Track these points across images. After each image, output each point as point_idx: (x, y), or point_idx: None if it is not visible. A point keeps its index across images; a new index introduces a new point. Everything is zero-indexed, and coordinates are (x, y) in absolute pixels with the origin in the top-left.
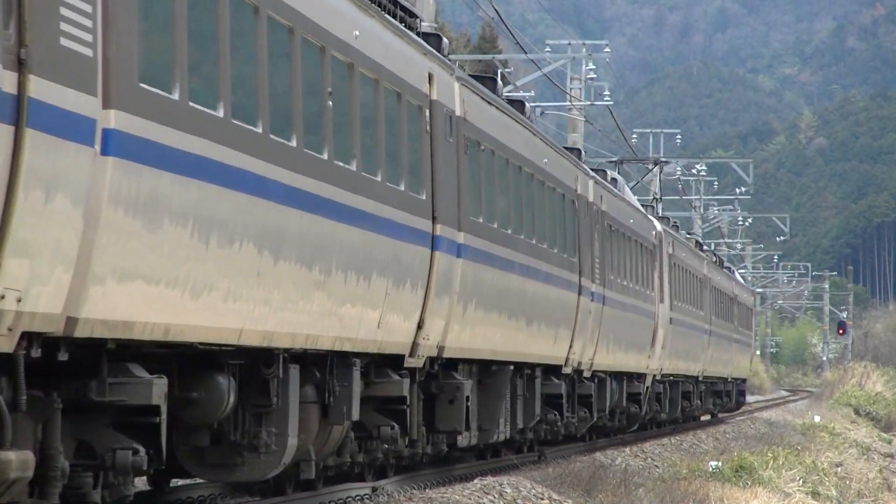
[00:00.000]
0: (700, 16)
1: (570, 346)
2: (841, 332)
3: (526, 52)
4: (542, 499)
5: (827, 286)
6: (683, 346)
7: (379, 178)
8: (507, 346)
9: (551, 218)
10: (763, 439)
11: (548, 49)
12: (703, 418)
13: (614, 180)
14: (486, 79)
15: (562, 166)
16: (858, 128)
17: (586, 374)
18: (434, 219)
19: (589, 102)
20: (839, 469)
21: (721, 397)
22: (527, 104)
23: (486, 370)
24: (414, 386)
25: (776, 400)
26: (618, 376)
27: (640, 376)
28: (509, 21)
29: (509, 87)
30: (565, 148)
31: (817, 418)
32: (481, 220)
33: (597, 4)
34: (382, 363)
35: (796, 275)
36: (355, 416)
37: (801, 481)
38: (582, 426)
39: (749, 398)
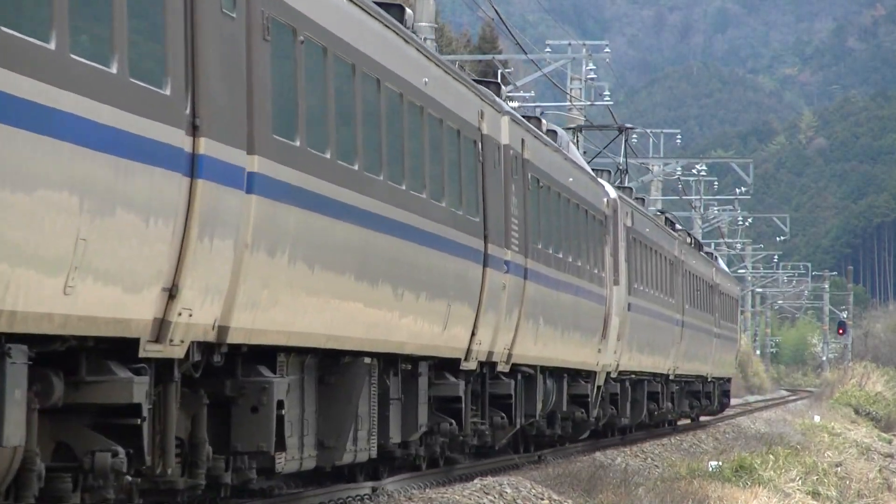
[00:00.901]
0: (700, 16)
1: (473, 333)
2: (841, 332)
3: (526, 53)
4: (542, 499)
5: (827, 286)
6: (647, 338)
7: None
8: (361, 331)
9: (435, 160)
10: (763, 439)
11: (548, 49)
12: (682, 422)
13: (553, 132)
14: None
15: (456, 93)
16: (858, 128)
17: (502, 368)
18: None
19: (589, 103)
20: (839, 469)
21: (699, 399)
22: (407, 11)
23: (333, 364)
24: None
25: (776, 400)
26: (556, 373)
27: (590, 374)
28: (509, 21)
29: (509, 88)
30: (479, 81)
31: (817, 418)
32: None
33: (597, 4)
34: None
35: (796, 275)
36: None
37: (801, 481)
38: (500, 435)
39: (749, 398)
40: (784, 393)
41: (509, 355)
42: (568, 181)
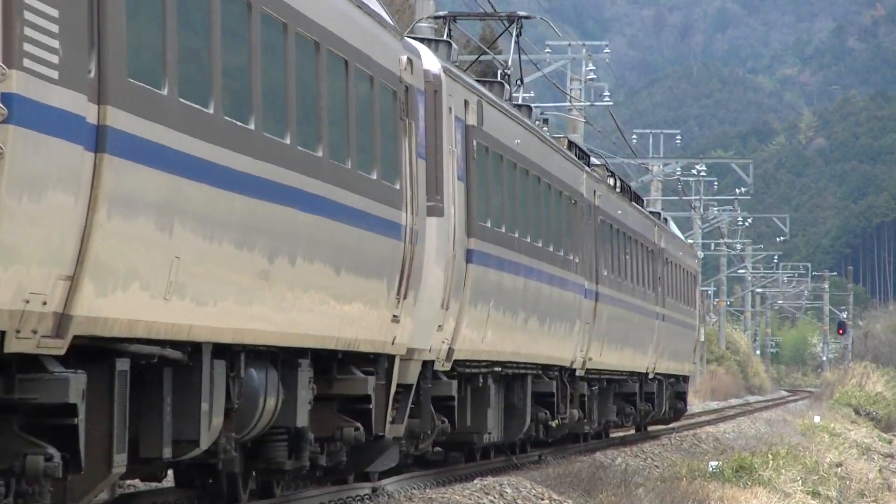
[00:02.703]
0: (700, 16)
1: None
2: (841, 332)
3: (526, 53)
4: (542, 499)
5: (827, 286)
6: (507, 314)
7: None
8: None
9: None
10: (763, 439)
11: (548, 49)
12: (618, 434)
13: (501, 84)
14: (493, 83)
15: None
16: (858, 128)
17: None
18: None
19: (589, 103)
20: (839, 469)
21: (634, 404)
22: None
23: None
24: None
25: (776, 400)
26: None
27: (429, 363)
28: None
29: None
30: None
31: (817, 418)
32: None
33: (597, 5)
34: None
35: (796, 275)
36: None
37: (801, 481)
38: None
39: (749, 398)
40: (784, 393)
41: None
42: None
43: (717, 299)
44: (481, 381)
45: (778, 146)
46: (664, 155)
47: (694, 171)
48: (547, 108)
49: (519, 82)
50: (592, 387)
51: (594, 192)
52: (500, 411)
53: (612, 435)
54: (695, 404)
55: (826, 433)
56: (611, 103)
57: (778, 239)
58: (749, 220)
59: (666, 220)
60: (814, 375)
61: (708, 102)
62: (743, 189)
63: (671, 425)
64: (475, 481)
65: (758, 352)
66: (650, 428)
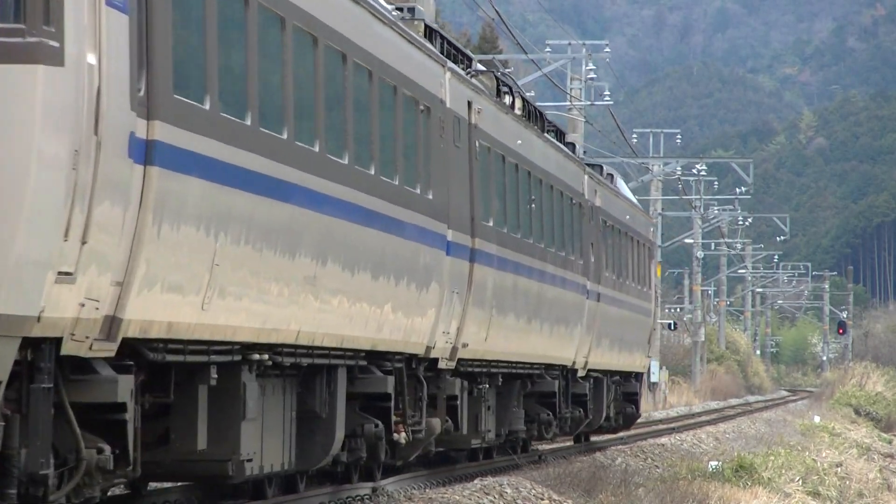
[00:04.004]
0: (700, 16)
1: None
2: (841, 332)
3: (526, 53)
4: (542, 499)
5: (827, 286)
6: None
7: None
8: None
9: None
10: (763, 439)
11: (548, 49)
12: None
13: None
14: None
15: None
16: (858, 128)
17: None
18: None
19: (589, 102)
20: (839, 469)
21: (555, 408)
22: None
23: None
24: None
25: (776, 400)
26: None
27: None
28: (509, 21)
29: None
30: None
31: (817, 418)
32: None
33: (597, 4)
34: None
35: (796, 275)
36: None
37: (801, 481)
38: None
39: (749, 398)
40: (784, 393)
41: None
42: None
43: (717, 299)
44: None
45: (778, 146)
46: (664, 154)
47: (694, 171)
48: (547, 107)
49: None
50: (480, 384)
51: (468, 102)
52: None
53: (537, 447)
54: (695, 404)
55: (826, 433)
56: (611, 103)
57: (778, 239)
58: (749, 220)
59: (612, 176)
60: (814, 375)
61: (708, 102)
62: (743, 189)
63: (620, 434)
64: (475, 481)
65: (758, 352)
66: (594, 438)
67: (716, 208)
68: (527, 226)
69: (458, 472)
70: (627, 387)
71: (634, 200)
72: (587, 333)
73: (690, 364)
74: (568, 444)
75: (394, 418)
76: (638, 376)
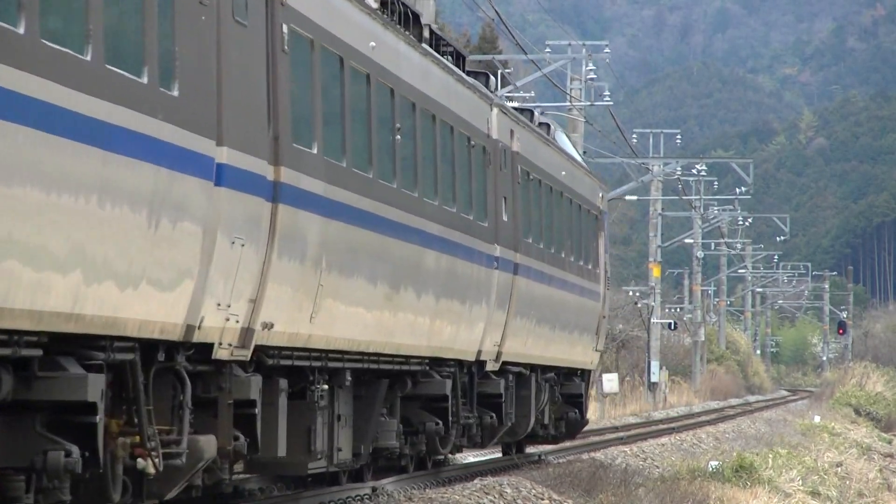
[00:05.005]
0: (700, 16)
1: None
2: (841, 332)
3: (526, 53)
4: (542, 499)
5: (827, 286)
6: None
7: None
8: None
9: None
10: (763, 439)
11: (548, 49)
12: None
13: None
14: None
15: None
16: (858, 128)
17: None
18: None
19: (589, 103)
20: (839, 469)
21: (445, 414)
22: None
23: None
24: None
25: (776, 400)
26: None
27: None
28: (509, 21)
29: (509, 88)
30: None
31: (817, 418)
32: None
33: (597, 4)
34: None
35: (796, 275)
36: None
37: (801, 481)
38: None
39: (750, 398)
40: (784, 393)
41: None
42: None
43: (717, 299)
44: None
45: (778, 146)
46: (664, 155)
47: (694, 171)
48: (547, 107)
49: None
50: (315, 385)
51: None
52: None
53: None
54: (695, 404)
55: (826, 433)
56: (611, 103)
57: (778, 239)
58: (749, 220)
59: (548, 126)
60: (814, 375)
61: (708, 102)
62: (743, 189)
63: (562, 445)
64: (475, 481)
65: (758, 351)
66: (531, 449)
67: (716, 208)
68: (386, 164)
69: (458, 472)
70: (569, 387)
71: (580, 159)
72: (498, 315)
73: (690, 364)
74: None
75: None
76: (584, 374)
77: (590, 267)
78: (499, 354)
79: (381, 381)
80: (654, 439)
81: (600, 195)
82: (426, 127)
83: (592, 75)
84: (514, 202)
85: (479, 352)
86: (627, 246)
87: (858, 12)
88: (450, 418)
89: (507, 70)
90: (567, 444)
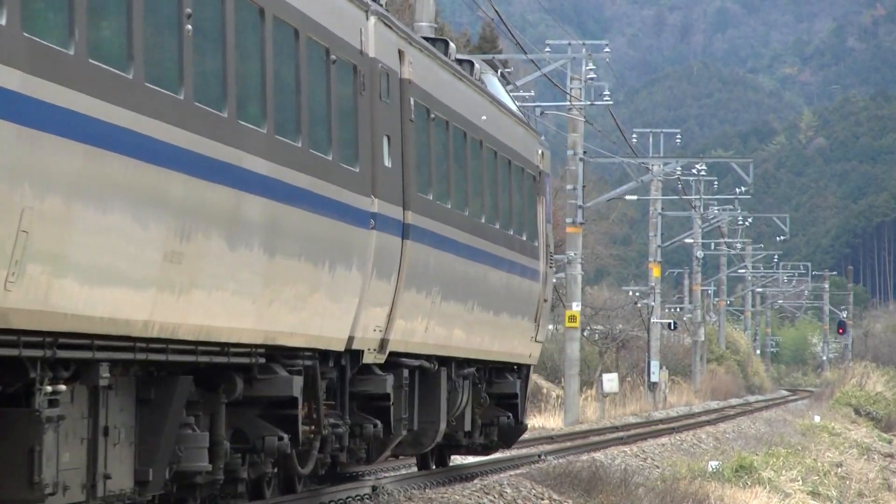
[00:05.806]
0: (700, 16)
1: None
2: (841, 331)
3: (526, 53)
4: (542, 499)
5: (827, 286)
6: None
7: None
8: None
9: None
10: (763, 439)
11: (548, 49)
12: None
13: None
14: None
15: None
16: (858, 128)
17: None
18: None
19: (589, 102)
20: (839, 469)
21: (292, 423)
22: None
23: None
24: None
25: (776, 400)
26: None
27: None
28: (509, 21)
29: (509, 87)
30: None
31: (817, 418)
32: None
33: (597, 4)
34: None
35: (796, 275)
36: None
37: (801, 481)
38: None
39: (750, 398)
40: (784, 393)
41: None
42: None
43: (717, 299)
44: None
45: (778, 146)
46: (664, 154)
47: (694, 171)
48: (547, 107)
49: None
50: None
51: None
52: None
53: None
54: (695, 404)
55: (826, 433)
56: (611, 103)
57: (778, 239)
58: (749, 220)
59: (471, 64)
60: (814, 375)
61: (708, 102)
62: (743, 189)
63: (494, 456)
64: (475, 481)
65: (758, 351)
66: (461, 460)
67: (716, 208)
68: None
69: (457, 472)
70: (500, 386)
71: (515, 109)
72: (378, 292)
73: (690, 364)
74: (569, 444)
75: None
76: (521, 370)
77: (524, 238)
78: (384, 343)
79: (178, 378)
80: (654, 439)
81: (539, 152)
82: (217, 6)
83: (592, 75)
84: (404, 145)
85: (351, 339)
86: (627, 246)
87: (858, 12)
88: (300, 428)
89: (507, 70)
90: (567, 443)
